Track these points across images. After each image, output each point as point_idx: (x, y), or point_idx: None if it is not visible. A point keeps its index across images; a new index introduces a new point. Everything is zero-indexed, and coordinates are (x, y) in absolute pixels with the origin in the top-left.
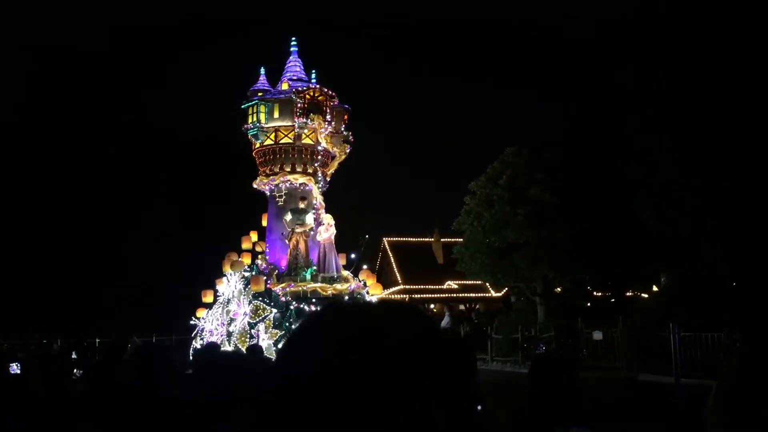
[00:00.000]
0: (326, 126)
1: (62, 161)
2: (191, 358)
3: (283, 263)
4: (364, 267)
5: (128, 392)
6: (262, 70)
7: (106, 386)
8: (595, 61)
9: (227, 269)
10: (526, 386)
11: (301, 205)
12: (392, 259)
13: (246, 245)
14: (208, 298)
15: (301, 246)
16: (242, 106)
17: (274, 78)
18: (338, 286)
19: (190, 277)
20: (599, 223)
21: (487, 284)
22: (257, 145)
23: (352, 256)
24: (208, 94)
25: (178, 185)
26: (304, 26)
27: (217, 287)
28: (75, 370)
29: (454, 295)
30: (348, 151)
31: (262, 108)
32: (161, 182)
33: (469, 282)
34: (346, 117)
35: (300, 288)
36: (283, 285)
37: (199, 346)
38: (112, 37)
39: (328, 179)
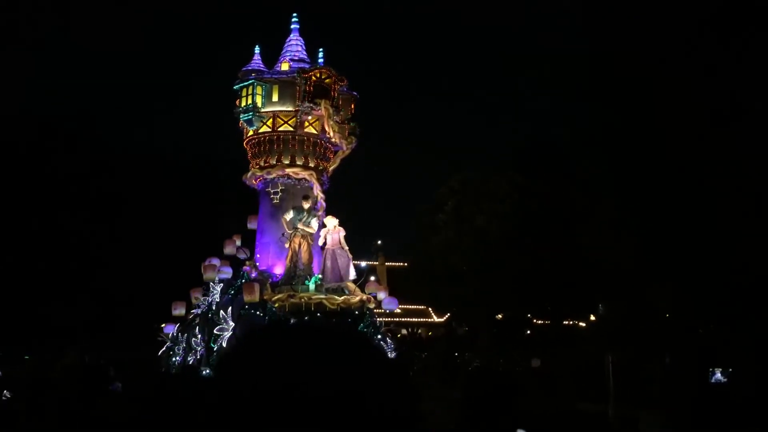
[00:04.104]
0: (334, 113)
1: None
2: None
3: (277, 270)
4: (372, 278)
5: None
6: (257, 49)
7: (36, 404)
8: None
9: (209, 277)
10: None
11: (305, 205)
12: None
13: (229, 250)
14: (178, 311)
15: (304, 251)
16: (234, 87)
17: (270, 62)
18: (348, 299)
19: (158, 286)
20: (543, 252)
21: (430, 309)
22: (250, 133)
23: (362, 265)
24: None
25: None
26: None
27: (193, 299)
28: (5, 391)
29: (397, 319)
30: (354, 145)
31: (259, 89)
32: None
33: (412, 306)
34: (353, 105)
35: (302, 300)
36: (280, 296)
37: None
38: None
39: (329, 176)
